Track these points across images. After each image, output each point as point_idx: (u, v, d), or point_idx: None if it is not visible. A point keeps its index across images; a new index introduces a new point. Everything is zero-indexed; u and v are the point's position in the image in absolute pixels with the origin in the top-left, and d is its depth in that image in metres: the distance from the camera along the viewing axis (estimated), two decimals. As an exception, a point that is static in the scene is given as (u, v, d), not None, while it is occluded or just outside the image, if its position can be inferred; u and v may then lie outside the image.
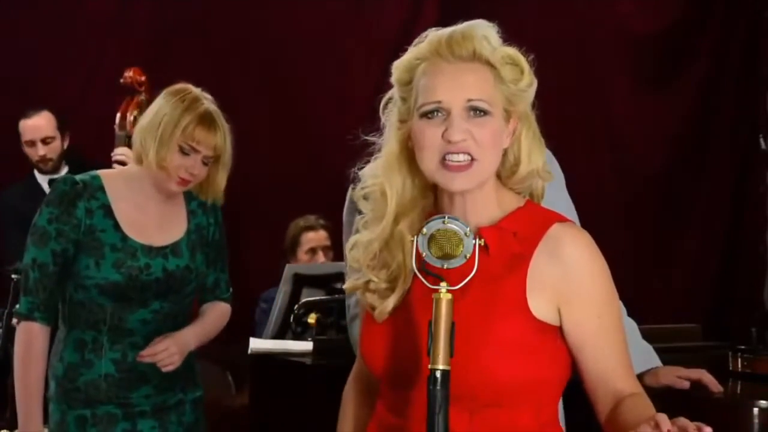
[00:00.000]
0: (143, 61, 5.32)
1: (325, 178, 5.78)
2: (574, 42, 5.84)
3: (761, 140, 5.43)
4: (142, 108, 3.59)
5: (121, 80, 3.86)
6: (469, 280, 1.78)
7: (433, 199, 1.93)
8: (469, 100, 1.83)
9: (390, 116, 1.93)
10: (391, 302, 1.89)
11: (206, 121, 2.95)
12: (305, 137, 5.81)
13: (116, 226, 2.89)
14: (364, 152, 1.96)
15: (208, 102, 3.01)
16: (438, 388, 1.69)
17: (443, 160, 1.83)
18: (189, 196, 3.03)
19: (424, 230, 1.76)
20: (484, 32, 1.89)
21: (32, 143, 5.06)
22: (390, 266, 1.90)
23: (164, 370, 2.92)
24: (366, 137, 1.96)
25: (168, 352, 2.91)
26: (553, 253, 1.85)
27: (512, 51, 1.89)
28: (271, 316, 4.23)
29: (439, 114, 1.84)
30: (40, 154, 5.05)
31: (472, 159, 1.83)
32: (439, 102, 1.84)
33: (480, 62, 1.86)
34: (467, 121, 1.83)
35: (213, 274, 3.11)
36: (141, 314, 2.91)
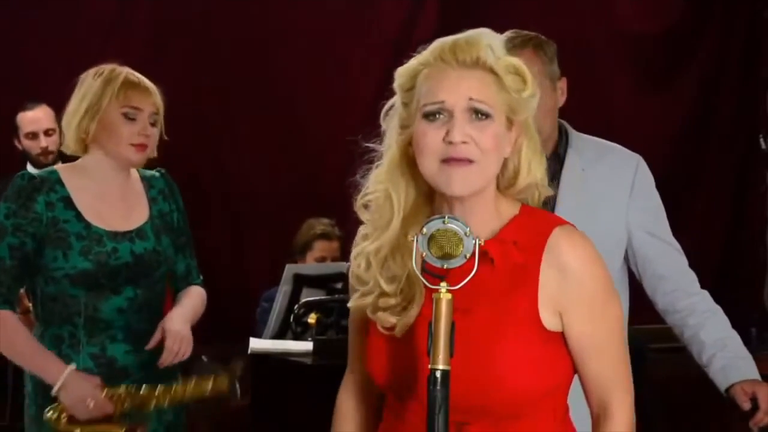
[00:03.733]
0: (143, 61, 5.32)
1: (325, 178, 5.80)
2: (574, 42, 5.83)
3: (761, 140, 5.43)
4: None
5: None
6: (479, 296, 1.80)
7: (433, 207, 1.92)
8: (471, 99, 1.83)
9: (391, 122, 1.92)
10: (412, 315, 1.85)
11: (133, 81, 2.98)
12: (305, 137, 5.81)
13: (78, 215, 2.91)
14: (362, 159, 1.95)
15: (127, 69, 3.03)
16: (438, 388, 1.69)
17: (443, 160, 1.82)
18: (149, 184, 3.06)
19: (424, 230, 1.76)
20: (489, 41, 1.88)
21: (34, 135, 5.03)
22: (399, 278, 1.88)
23: (184, 359, 2.94)
24: (366, 144, 1.95)
25: (180, 344, 2.93)
26: (556, 260, 1.86)
27: (516, 60, 1.89)
28: (271, 316, 4.23)
29: (441, 115, 1.83)
30: (42, 146, 5.03)
31: (470, 162, 1.82)
32: (442, 102, 1.83)
33: (483, 69, 1.85)
34: (469, 123, 1.83)
35: (183, 261, 3.12)
36: (116, 302, 2.92)
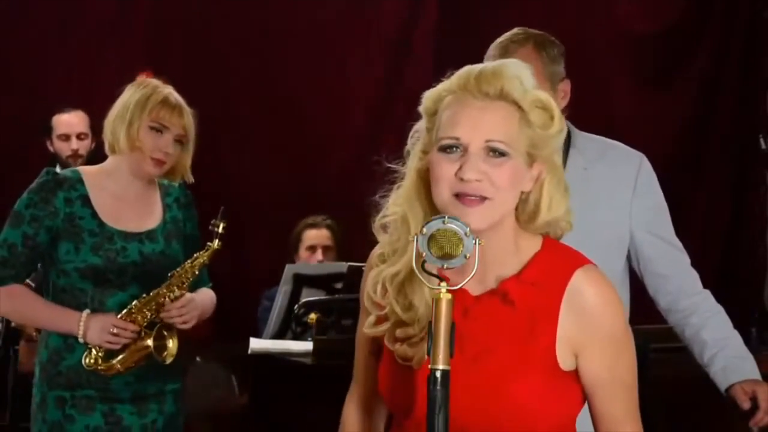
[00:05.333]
0: (143, 61, 5.33)
1: (325, 177, 5.80)
2: (574, 42, 5.82)
3: (761, 140, 5.42)
4: None
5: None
6: (499, 336, 1.81)
7: None
8: (488, 141, 1.80)
9: (415, 146, 1.90)
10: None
11: (170, 101, 3.12)
12: (305, 137, 5.80)
13: (94, 214, 3.08)
14: (386, 180, 1.93)
15: (169, 89, 3.17)
16: (438, 388, 1.69)
17: (456, 195, 1.81)
18: (165, 192, 3.22)
19: (424, 230, 1.75)
20: (517, 72, 1.84)
21: (67, 137, 5.13)
22: (416, 307, 1.86)
23: (182, 327, 3.08)
24: (389, 165, 1.93)
25: (189, 307, 3.09)
26: (577, 303, 1.84)
27: (544, 95, 1.85)
28: (271, 316, 4.23)
29: (457, 150, 1.81)
30: (73, 149, 5.14)
31: (484, 199, 1.80)
32: (458, 139, 1.81)
33: (507, 101, 1.82)
34: (484, 161, 1.80)
35: None
36: (119, 297, 3.06)
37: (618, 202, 2.87)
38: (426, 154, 1.87)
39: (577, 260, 1.88)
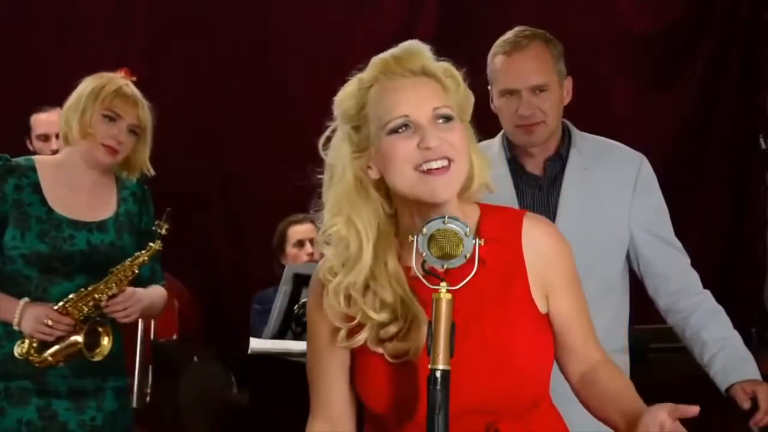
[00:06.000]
0: (143, 61, 5.33)
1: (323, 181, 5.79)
2: (574, 42, 5.82)
3: (761, 140, 5.41)
4: None
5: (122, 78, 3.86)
6: (481, 299, 1.84)
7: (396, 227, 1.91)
8: (435, 109, 1.87)
9: (339, 151, 1.92)
10: (423, 336, 1.83)
11: (125, 92, 3.12)
12: (304, 138, 5.76)
13: (43, 201, 3.06)
14: (315, 194, 1.94)
15: (126, 81, 3.17)
16: (438, 388, 1.69)
17: (421, 170, 1.84)
18: (122, 185, 3.20)
19: (424, 230, 1.76)
20: (423, 48, 1.93)
21: (46, 137, 5.08)
22: (391, 304, 1.87)
23: (123, 320, 3.06)
24: (318, 176, 1.95)
25: (131, 301, 3.05)
26: (534, 248, 1.92)
27: (447, 64, 1.94)
28: (271, 316, 4.23)
29: (408, 128, 1.85)
30: (53, 149, 5.07)
31: (450, 162, 1.84)
32: (407, 116, 1.86)
33: (428, 76, 1.90)
34: (436, 128, 1.85)
35: (147, 265, 3.18)
36: (65, 287, 3.03)
37: (618, 203, 2.87)
38: (361, 152, 1.90)
39: (516, 212, 1.99)
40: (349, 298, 1.88)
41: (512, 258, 1.90)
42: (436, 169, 1.84)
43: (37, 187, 3.07)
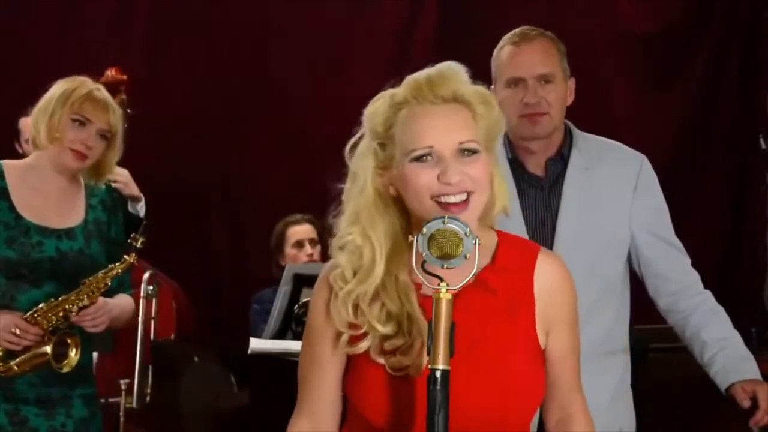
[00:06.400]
0: (143, 61, 5.33)
1: (323, 181, 5.78)
2: (574, 42, 5.81)
3: (761, 140, 5.41)
4: (122, 107, 3.60)
5: (102, 79, 3.85)
6: (486, 325, 1.87)
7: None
8: (461, 143, 1.86)
9: (362, 162, 1.93)
10: (425, 357, 1.82)
11: (95, 96, 3.06)
12: (303, 139, 5.80)
13: (11, 207, 3.00)
14: (336, 201, 1.96)
15: (97, 86, 3.11)
16: (438, 388, 1.69)
17: (439, 201, 1.84)
18: (90, 192, 3.13)
19: (424, 230, 1.76)
20: (458, 72, 1.91)
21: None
22: (398, 317, 1.88)
23: (91, 330, 3.00)
24: (338, 185, 1.97)
25: (101, 313, 3.00)
26: (546, 284, 1.94)
27: (482, 89, 1.93)
28: (271, 316, 4.22)
29: (430, 158, 1.86)
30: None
31: (469, 195, 1.85)
32: (431, 147, 1.85)
33: (460, 103, 1.89)
34: (459, 161, 1.85)
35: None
36: (33, 294, 2.97)
37: (619, 203, 2.87)
38: (384, 170, 1.90)
39: (532, 245, 2.01)
40: (356, 307, 1.90)
41: (522, 288, 1.92)
42: (454, 204, 1.84)
43: (4, 193, 3.01)
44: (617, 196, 2.88)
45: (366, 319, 1.88)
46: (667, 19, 6.12)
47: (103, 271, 3.03)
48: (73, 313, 2.97)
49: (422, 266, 1.78)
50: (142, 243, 3.07)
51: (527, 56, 2.87)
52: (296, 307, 4.12)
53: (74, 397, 3.05)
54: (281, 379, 3.93)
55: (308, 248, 5.03)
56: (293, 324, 4.12)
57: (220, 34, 5.76)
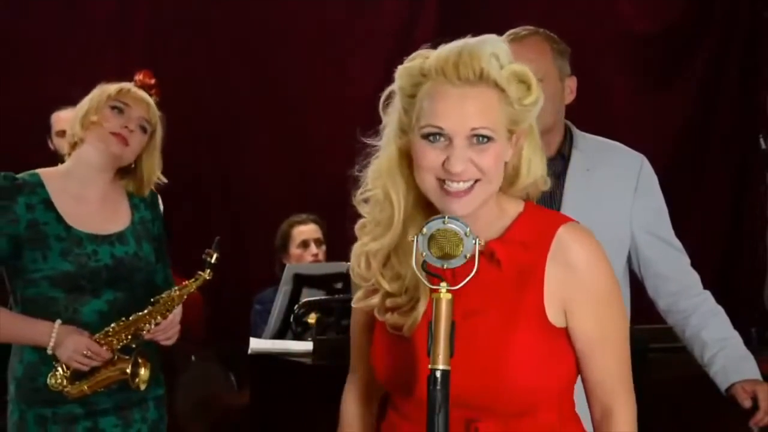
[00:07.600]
0: (143, 61, 5.32)
1: (324, 180, 5.79)
2: (574, 42, 5.82)
3: (761, 140, 5.41)
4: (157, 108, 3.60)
5: (132, 84, 3.86)
6: (488, 297, 1.83)
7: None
8: (473, 129, 1.81)
9: (391, 119, 1.90)
10: (419, 315, 1.86)
11: (135, 90, 3.01)
12: (304, 139, 5.80)
13: (59, 218, 2.91)
14: (362, 153, 1.95)
15: (134, 86, 3.06)
16: (438, 388, 1.69)
17: (442, 185, 1.82)
18: (130, 194, 3.06)
19: (424, 230, 1.76)
20: (493, 49, 1.83)
21: (64, 133, 5.09)
22: (403, 276, 1.88)
23: (164, 344, 2.97)
24: (364, 140, 1.94)
25: (172, 329, 2.97)
26: (562, 258, 1.87)
27: (519, 67, 1.85)
28: (271, 316, 4.23)
29: (441, 138, 1.82)
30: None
31: (475, 182, 1.82)
32: (441, 129, 1.81)
33: (486, 84, 1.82)
34: (469, 148, 1.81)
35: (162, 271, 3.13)
36: (94, 305, 2.90)
37: (619, 203, 2.87)
38: (405, 133, 1.88)
39: (560, 218, 1.92)
40: (369, 263, 1.90)
41: (533, 263, 1.86)
42: (456, 191, 1.81)
43: (49, 204, 2.91)
44: (617, 197, 2.88)
45: (374, 274, 1.89)
46: (667, 19, 6.12)
47: (177, 289, 2.97)
48: (146, 331, 2.92)
49: (422, 266, 1.77)
50: (216, 258, 3.01)
51: (515, 56, 2.86)
52: (296, 307, 4.12)
53: (149, 400, 3.02)
54: (281, 379, 3.93)
55: (313, 248, 5.04)
56: (293, 324, 4.12)
57: (220, 34, 5.76)
